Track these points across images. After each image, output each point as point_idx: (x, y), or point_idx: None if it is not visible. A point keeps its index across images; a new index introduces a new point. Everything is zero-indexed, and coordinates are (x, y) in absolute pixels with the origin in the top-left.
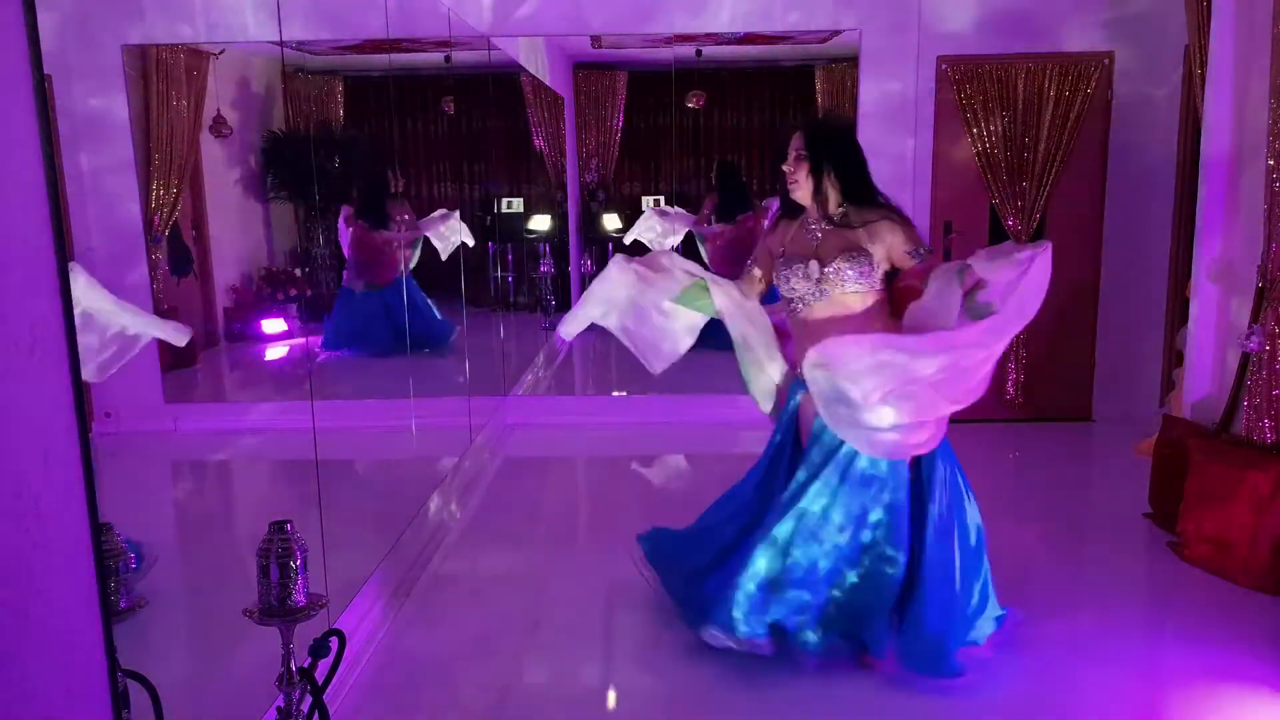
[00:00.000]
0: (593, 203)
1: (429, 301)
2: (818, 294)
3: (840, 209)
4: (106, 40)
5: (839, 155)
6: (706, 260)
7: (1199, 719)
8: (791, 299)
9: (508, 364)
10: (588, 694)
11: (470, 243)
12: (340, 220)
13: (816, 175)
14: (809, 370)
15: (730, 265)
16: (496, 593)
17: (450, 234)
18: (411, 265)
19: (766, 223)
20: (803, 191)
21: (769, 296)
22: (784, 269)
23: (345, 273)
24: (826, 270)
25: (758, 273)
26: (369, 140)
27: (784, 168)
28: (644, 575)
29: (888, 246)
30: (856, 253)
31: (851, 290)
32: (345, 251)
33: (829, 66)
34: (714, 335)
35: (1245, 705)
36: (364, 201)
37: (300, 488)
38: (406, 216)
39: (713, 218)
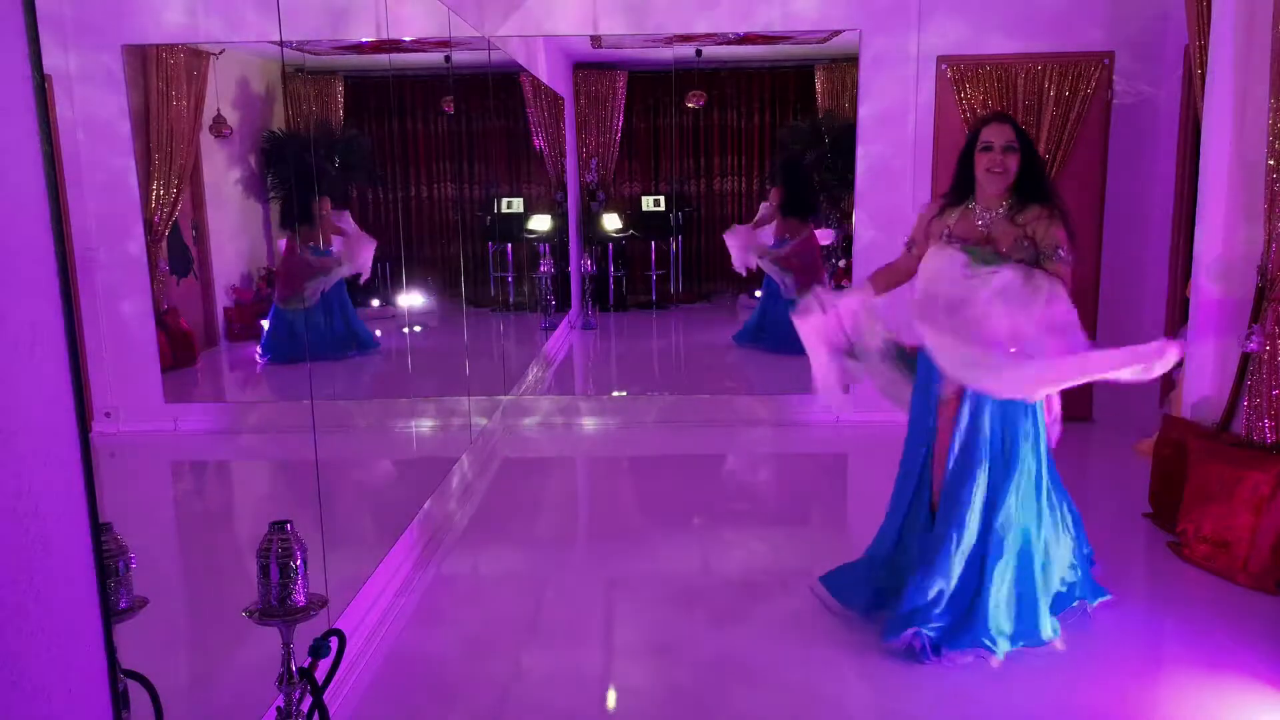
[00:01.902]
0: (593, 203)
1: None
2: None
3: (1009, 200)
4: (106, 40)
5: (1034, 153)
6: (768, 271)
7: (1199, 718)
8: None
9: (508, 364)
10: (587, 693)
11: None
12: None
13: (1020, 168)
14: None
15: (799, 275)
16: (496, 593)
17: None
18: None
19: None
20: (1006, 184)
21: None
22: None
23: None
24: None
25: (916, 252)
26: (369, 140)
27: (991, 158)
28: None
29: (1040, 241)
30: (1020, 243)
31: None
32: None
33: (829, 66)
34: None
35: (1245, 704)
36: (292, 208)
37: (300, 488)
38: (343, 224)
39: (780, 214)
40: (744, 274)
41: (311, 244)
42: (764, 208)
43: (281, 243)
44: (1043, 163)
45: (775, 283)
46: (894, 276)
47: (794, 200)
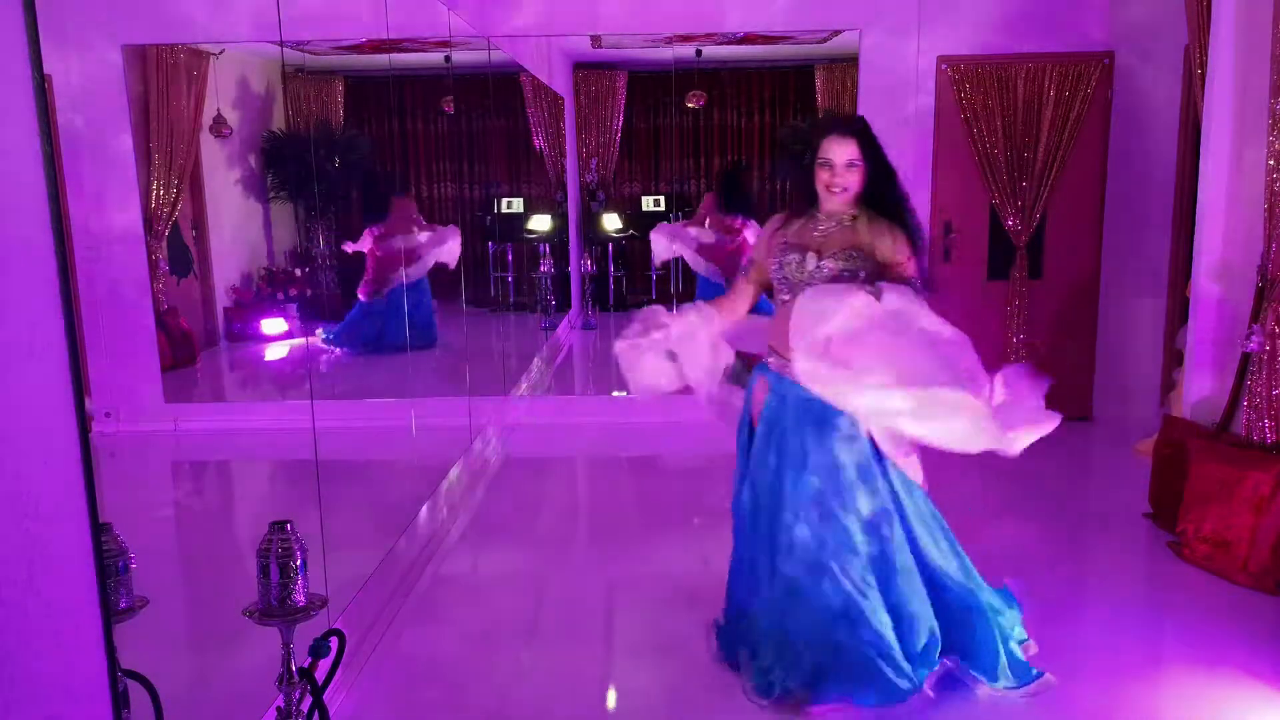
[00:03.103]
0: (593, 203)
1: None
2: (807, 286)
3: (855, 210)
4: (106, 40)
5: (883, 166)
6: (691, 263)
7: (1199, 718)
8: (782, 288)
9: (508, 364)
10: (588, 694)
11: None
12: (366, 236)
13: (866, 183)
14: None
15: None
16: (496, 593)
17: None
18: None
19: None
20: (847, 200)
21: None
22: (781, 256)
23: (363, 285)
24: (822, 263)
25: (753, 275)
26: (369, 140)
27: (831, 175)
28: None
29: (884, 259)
30: (855, 252)
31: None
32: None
33: (829, 66)
34: None
35: (1245, 704)
36: (375, 206)
37: (300, 488)
38: (417, 216)
39: (719, 211)
40: (657, 264)
41: (396, 237)
42: (701, 208)
43: (368, 236)
44: (893, 174)
45: (703, 279)
46: (736, 307)
47: (727, 200)
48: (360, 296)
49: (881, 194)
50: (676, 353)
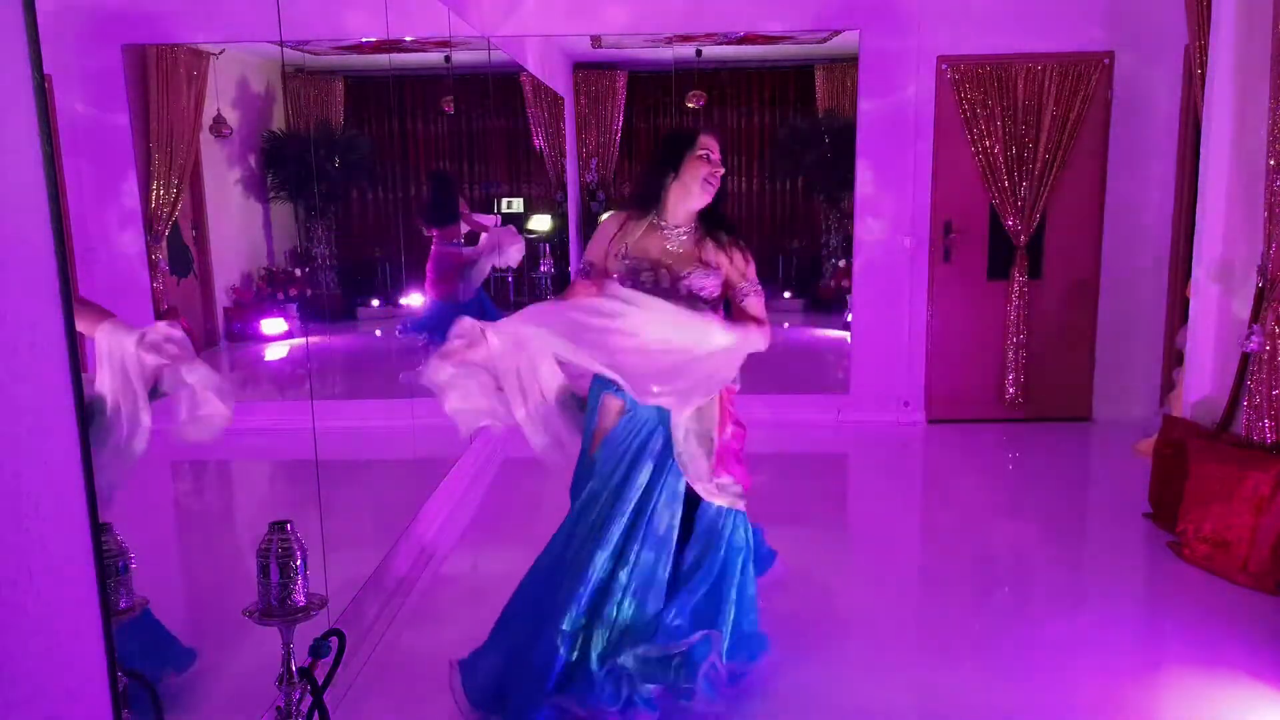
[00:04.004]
0: (593, 203)
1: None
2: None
3: (698, 222)
4: (106, 40)
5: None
6: None
7: (1199, 718)
8: None
9: None
10: None
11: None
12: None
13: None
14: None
15: None
16: (496, 593)
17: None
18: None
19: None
20: (709, 200)
21: None
22: (630, 272)
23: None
24: (680, 283)
25: (594, 277)
26: (369, 140)
27: (712, 167)
28: None
29: (729, 270)
30: (708, 269)
31: (691, 304)
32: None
33: (829, 66)
34: None
35: (1245, 705)
36: (435, 207)
37: (300, 488)
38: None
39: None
40: None
41: (455, 240)
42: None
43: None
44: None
45: None
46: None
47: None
48: (433, 297)
49: (721, 201)
50: (499, 373)
